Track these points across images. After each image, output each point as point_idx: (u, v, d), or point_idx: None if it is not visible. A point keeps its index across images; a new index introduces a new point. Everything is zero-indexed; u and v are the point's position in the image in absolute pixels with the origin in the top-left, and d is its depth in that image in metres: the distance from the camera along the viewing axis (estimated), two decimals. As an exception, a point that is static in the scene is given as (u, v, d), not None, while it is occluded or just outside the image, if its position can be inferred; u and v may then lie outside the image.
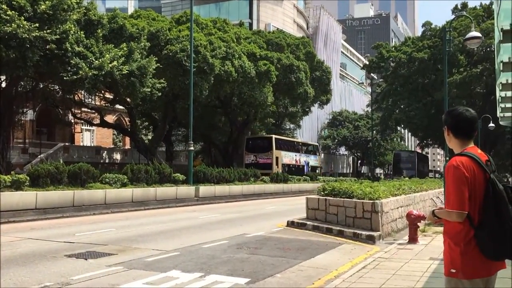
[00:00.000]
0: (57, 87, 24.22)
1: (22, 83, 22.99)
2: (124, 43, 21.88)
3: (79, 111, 33.93)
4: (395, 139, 79.94)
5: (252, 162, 38.53)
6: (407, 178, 33.43)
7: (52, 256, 8.76)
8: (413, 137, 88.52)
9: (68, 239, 10.93)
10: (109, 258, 8.77)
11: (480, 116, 43.22)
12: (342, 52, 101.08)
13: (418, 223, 10.76)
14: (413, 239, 10.57)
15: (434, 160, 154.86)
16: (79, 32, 20.04)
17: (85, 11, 21.11)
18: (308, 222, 13.44)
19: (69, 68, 19.27)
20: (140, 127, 40.73)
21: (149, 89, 23.02)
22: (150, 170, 23.29)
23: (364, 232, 11.55)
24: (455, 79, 44.68)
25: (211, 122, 38.14)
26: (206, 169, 29.25)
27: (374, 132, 65.31)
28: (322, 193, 14.29)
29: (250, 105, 35.01)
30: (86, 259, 8.59)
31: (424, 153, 74.31)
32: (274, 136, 40.55)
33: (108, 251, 9.40)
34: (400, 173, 55.44)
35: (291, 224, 13.95)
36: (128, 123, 38.09)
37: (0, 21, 17.01)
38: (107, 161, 37.21)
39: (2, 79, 22.25)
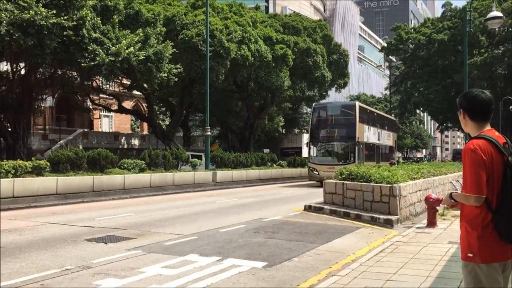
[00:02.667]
0: (75, 73, 24.40)
1: (40, 70, 23.23)
2: (140, 29, 21.87)
3: (97, 97, 34.21)
4: (414, 122, 79.04)
5: None
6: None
7: (73, 240, 8.93)
8: (432, 120, 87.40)
9: (88, 224, 11.12)
10: (128, 242, 8.90)
11: (501, 98, 42.58)
12: (359, 34, 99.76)
13: (437, 207, 10.66)
14: (431, 223, 10.49)
15: (454, 143, 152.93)
16: (95, 18, 20.09)
17: (101, -4, 21.15)
18: (326, 207, 13.43)
19: (87, 54, 19.37)
20: (158, 112, 40.96)
21: (165, 75, 23.06)
22: (168, 155, 23.48)
23: (382, 216, 11.50)
24: (475, 61, 43.78)
25: (227, 107, 38.11)
26: (223, 154, 29.38)
27: (393, 115, 64.62)
28: (340, 177, 14.26)
29: (267, 89, 34.84)
30: (106, 243, 8.73)
31: (443, 136, 73.10)
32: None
33: (127, 235, 9.54)
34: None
35: (308, 208, 13.96)
36: (145, 109, 38.31)
37: (18, 8, 17.15)
38: (125, 146, 37.58)
39: (21, 67, 22.50)
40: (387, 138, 33.90)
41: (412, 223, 11.48)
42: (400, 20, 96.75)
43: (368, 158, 27.86)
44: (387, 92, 68.71)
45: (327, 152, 27.86)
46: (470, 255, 2.96)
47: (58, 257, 7.53)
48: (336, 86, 48.32)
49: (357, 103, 27.96)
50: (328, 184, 14.22)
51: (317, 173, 26.49)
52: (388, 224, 11.16)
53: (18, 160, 16.49)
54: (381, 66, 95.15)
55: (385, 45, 58.31)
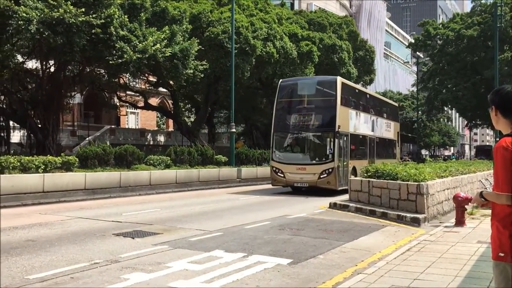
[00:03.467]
0: (103, 71, 24.77)
1: (69, 67, 23.66)
2: (167, 26, 22.06)
3: (124, 95, 34.68)
4: (441, 119, 77.66)
5: None
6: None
7: (101, 235, 9.09)
8: (460, 117, 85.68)
9: (116, 219, 11.30)
10: (155, 237, 9.01)
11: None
12: (386, 30, 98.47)
13: (466, 206, 10.47)
14: (460, 222, 10.30)
15: (483, 141, 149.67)
16: (123, 16, 20.35)
17: (128, -6, 21.42)
18: (351, 204, 13.34)
19: (114, 52, 19.64)
20: (183, 109, 41.25)
21: (191, 71, 23.21)
22: (193, 152, 23.67)
23: (408, 215, 11.36)
24: (506, 56, 42.70)
25: (252, 104, 38.12)
26: (248, 151, 29.44)
27: (420, 112, 63.61)
28: (365, 174, 14.16)
29: (292, 86, 34.79)
30: (133, 238, 8.86)
31: (472, 133, 71.49)
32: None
33: (153, 231, 9.66)
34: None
35: (333, 205, 13.89)
36: (171, 105, 38.68)
37: (48, 6, 17.49)
38: (151, 143, 38.03)
39: (50, 64, 22.97)
40: (385, 129, 26.47)
41: (440, 222, 11.30)
42: (428, 16, 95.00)
43: (357, 155, 21.26)
44: (414, 89, 67.65)
45: (296, 147, 20.10)
46: (502, 254, 2.91)
47: (87, 251, 7.68)
48: (362, 82, 47.86)
49: (339, 79, 19.88)
50: (354, 181, 14.14)
51: (282, 175, 19.22)
52: (415, 222, 11.01)
53: (48, 155, 16.85)
54: (408, 62, 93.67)
55: (413, 41, 57.34)
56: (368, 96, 25.17)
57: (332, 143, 18.60)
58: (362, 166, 18.50)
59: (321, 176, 18.24)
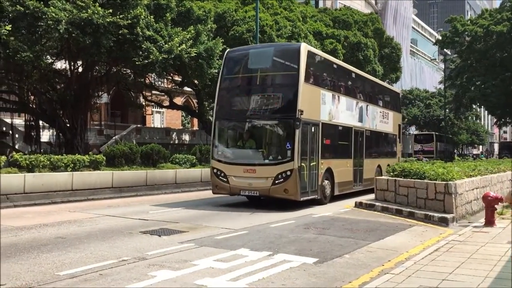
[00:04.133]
0: (129, 71, 25.07)
1: (97, 67, 24.02)
2: (192, 26, 22.18)
3: (150, 94, 35.03)
4: (470, 117, 76.10)
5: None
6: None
7: (128, 232, 9.22)
8: (489, 115, 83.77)
9: (143, 217, 11.45)
10: (181, 235, 9.10)
11: None
12: (412, 27, 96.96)
13: (496, 205, 10.25)
14: (489, 222, 10.09)
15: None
16: (149, 17, 20.56)
17: (154, -5, 21.62)
18: (377, 203, 13.22)
19: (140, 52, 19.86)
20: (207, 108, 41.43)
21: (216, 71, 23.28)
22: (218, 151, 23.74)
23: (436, 214, 11.19)
24: (537, 53, 41.57)
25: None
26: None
27: (447, 110, 62.45)
28: (392, 173, 14.00)
29: (316, 84, 34.62)
30: (159, 236, 8.97)
31: (502, 132, 69.72)
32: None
33: (179, 229, 9.76)
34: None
35: (359, 205, 13.78)
36: (195, 104, 38.87)
37: (76, 7, 17.81)
38: (176, 142, 38.34)
39: (78, 64, 23.37)
40: (381, 120, 20.75)
41: (469, 222, 11.10)
42: (455, 12, 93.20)
43: (334, 153, 15.95)
44: (442, 86, 66.49)
45: (243, 141, 14.29)
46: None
47: (115, 248, 7.81)
48: (387, 80, 47.26)
49: (304, 46, 14.39)
50: (380, 180, 13.99)
51: (225, 180, 13.95)
52: (443, 222, 10.84)
53: (76, 154, 17.16)
54: (435, 59, 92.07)
55: (440, 38, 56.34)
56: (354, 75, 18.74)
57: (291, 136, 13.17)
58: (343, 167, 15.83)
59: (276, 182, 13.11)
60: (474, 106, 64.51)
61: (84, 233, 9.14)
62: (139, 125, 37.42)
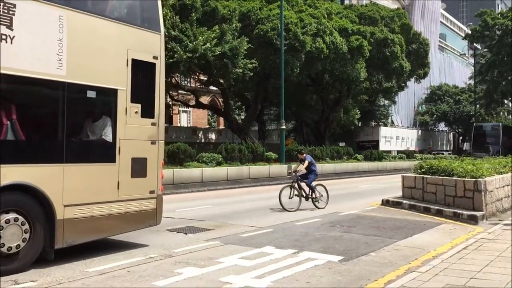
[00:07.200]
0: (156, 71, 25.41)
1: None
2: (217, 25, 22.34)
3: (176, 93, 35.41)
4: (501, 113, 74.26)
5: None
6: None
7: (156, 230, 9.35)
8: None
9: (169, 215, 11.57)
10: (207, 233, 9.19)
11: None
12: (441, 22, 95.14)
13: (527, 203, 9.99)
14: (520, 220, 9.86)
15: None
16: (174, 17, 20.79)
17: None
18: (404, 201, 13.06)
19: (166, 52, 20.11)
20: (233, 107, 41.66)
21: (241, 70, 23.40)
22: (243, 149, 23.88)
23: (465, 212, 10.98)
24: None
25: (302, 100, 37.93)
26: (298, 147, 29.34)
27: (478, 106, 61.10)
28: (419, 171, 13.79)
29: (342, 82, 34.32)
30: (186, 234, 9.08)
31: None
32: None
33: (205, 227, 9.85)
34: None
35: (386, 203, 13.64)
36: (221, 103, 39.12)
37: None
38: (202, 140, 38.66)
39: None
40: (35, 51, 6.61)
41: (499, 220, 10.87)
42: (485, 5, 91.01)
43: None
44: (472, 81, 65.09)
45: None
46: None
47: (142, 245, 7.94)
48: (415, 76, 46.59)
49: None
50: (407, 178, 13.81)
51: None
52: (472, 220, 10.64)
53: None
54: (464, 54, 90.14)
55: (469, 32, 55.21)
56: None
57: None
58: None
59: None
60: (506, 102, 62.90)
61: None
62: (166, 125, 37.82)
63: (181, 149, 20.37)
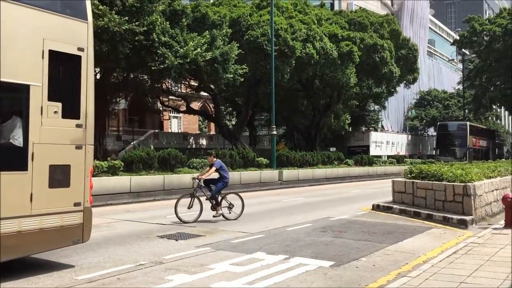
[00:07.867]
0: (146, 77, 25.34)
1: (114, 74, 24.32)
2: (207, 31, 22.35)
3: (167, 99, 35.32)
4: (490, 118, 74.96)
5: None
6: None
7: (146, 237, 9.30)
8: (510, 116, 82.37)
9: (160, 221, 11.53)
10: (198, 239, 9.15)
11: None
12: (430, 28, 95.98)
13: (516, 207, 10.06)
14: (510, 224, 9.92)
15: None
16: (164, 23, 20.77)
17: (169, 1, 21.80)
18: (395, 206, 13.11)
19: (156, 58, 20.07)
20: (224, 112, 41.64)
21: (231, 75, 23.40)
22: (235, 155, 23.86)
23: (455, 216, 11.05)
24: (558, 51, 40.83)
25: (293, 106, 38.05)
26: (289, 153, 29.39)
27: (466, 111, 61.64)
28: (409, 176, 13.86)
29: (333, 87, 34.47)
30: (176, 240, 9.03)
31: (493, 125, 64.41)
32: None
33: (196, 233, 9.81)
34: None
35: (376, 207, 13.68)
36: (212, 109, 39.06)
37: (93, 15, 18.07)
38: (193, 146, 38.55)
39: (96, 71, 23.69)
40: None
41: (488, 224, 10.94)
42: (473, 12, 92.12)
43: None
44: (460, 87, 65.67)
45: None
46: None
47: (132, 252, 7.89)
48: (405, 82, 46.90)
49: None
50: (397, 182, 13.87)
51: None
52: (462, 224, 10.70)
53: (95, 160, 17.37)
54: (453, 60, 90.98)
55: (458, 38, 55.73)
56: None
57: None
58: None
59: None
60: (494, 107, 63.52)
61: (103, 237, 9.24)
62: (156, 130, 37.73)
63: (172, 155, 20.31)
